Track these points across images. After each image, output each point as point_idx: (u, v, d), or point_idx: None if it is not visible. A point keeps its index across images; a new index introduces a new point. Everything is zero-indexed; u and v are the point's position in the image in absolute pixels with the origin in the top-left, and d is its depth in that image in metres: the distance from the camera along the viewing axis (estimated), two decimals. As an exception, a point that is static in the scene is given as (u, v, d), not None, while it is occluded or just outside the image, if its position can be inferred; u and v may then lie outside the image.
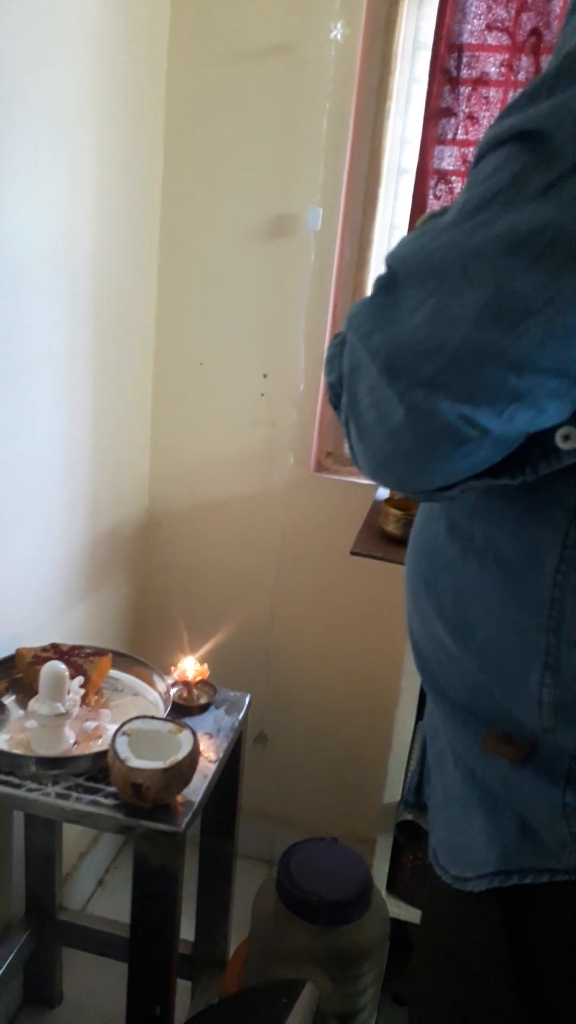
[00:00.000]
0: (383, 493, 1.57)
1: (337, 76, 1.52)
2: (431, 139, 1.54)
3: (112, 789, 1.09)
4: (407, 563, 0.75)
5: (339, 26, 1.48)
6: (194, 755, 1.08)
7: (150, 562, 1.91)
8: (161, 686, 1.30)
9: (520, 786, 0.64)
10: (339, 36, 1.49)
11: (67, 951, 1.63)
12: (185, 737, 1.09)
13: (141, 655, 1.38)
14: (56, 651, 1.31)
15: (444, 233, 0.52)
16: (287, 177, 1.60)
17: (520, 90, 0.59)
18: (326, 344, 1.68)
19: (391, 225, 1.68)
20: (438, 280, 0.51)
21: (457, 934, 0.72)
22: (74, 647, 1.33)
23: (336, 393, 0.64)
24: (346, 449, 0.68)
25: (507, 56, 1.47)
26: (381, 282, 0.57)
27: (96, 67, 1.36)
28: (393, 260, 0.57)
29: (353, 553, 1.33)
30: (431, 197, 1.57)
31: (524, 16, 1.44)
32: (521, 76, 1.47)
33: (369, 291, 0.60)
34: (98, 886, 1.92)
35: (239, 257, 1.66)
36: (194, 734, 1.10)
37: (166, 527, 1.88)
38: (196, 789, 1.11)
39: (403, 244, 0.57)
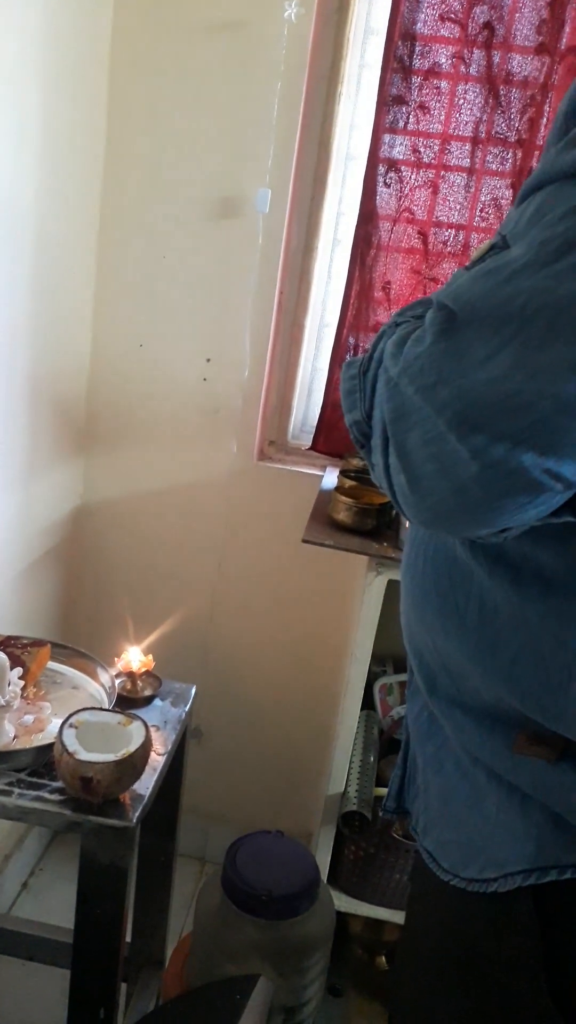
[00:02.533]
0: (330, 483, 1.55)
1: (289, 57, 1.50)
2: (381, 126, 1.53)
3: (57, 784, 1.04)
4: (407, 572, 0.73)
5: (293, 5, 1.45)
6: (146, 747, 1.03)
7: (83, 552, 1.84)
8: (105, 678, 1.25)
9: (558, 782, 0.63)
10: (292, 16, 1.46)
11: (-9, 958, 1.56)
12: (136, 729, 1.05)
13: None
14: (-9, 641, 1.24)
15: (521, 276, 0.48)
16: (235, 157, 1.56)
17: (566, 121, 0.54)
18: (272, 329, 1.66)
19: (338, 212, 1.67)
20: (516, 329, 0.47)
21: (479, 938, 0.69)
22: (9, 637, 1.26)
23: (363, 432, 0.60)
24: (373, 479, 0.63)
25: (458, 48, 1.48)
26: (437, 324, 0.52)
27: (38, 31, 1.29)
28: (454, 301, 0.51)
29: (305, 541, 1.31)
30: (380, 185, 1.56)
31: (477, 9, 1.45)
32: (473, 70, 1.48)
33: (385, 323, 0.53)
34: (23, 889, 1.84)
35: (183, 236, 1.62)
36: (146, 725, 1.05)
37: (100, 516, 1.81)
38: (145, 783, 1.07)
39: (464, 284, 0.52)
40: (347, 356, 1.66)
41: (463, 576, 0.64)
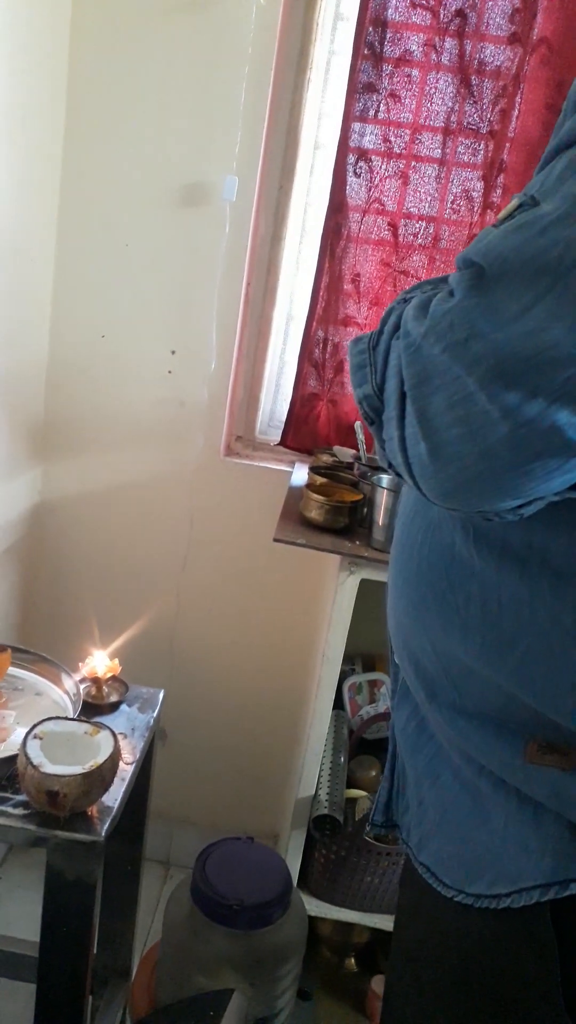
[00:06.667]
0: (299, 479, 1.52)
1: (257, 40, 1.45)
2: (351, 115, 1.50)
3: (21, 797, 0.99)
4: (396, 573, 0.69)
5: (262, -14, 1.41)
6: (115, 758, 0.99)
7: (43, 551, 1.78)
8: (69, 684, 1.20)
9: (575, 792, 0.60)
10: (261, -3, 1.41)
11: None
12: (104, 738, 1.00)
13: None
14: (-52, 647, 1.19)
15: (556, 228, 0.46)
16: (201, 143, 1.51)
17: None
18: (239, 321, 1.61)
19: (306, 202, 1.63)
20: (552, 281, 0.46)
21: (488, 956, 0.66)
22: (-32, 642, 1.21)
23: (373, 407, 0.57)
24: (381, 460, 0.60)
25: (430, 36, 1.45)
26: (467, 280, 0.50)
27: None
28: (483, 257, 0.50)
29: (277, 540, 1.27)
30: (350, 174, 1.53)
31: (449, -4, 1.42)
32: (445, 59, 1.45)
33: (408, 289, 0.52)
34: (-19, 899, 1.79)
35: (148, 224, 1.56)
36: (114, 735, 1.01)
37: (60, 513, 1.75)
38: (113, 794, 1.03)
39: (494, 239, 0.50)
40: (315, 350, 1.62)
41: (463, 575, 0.62)
